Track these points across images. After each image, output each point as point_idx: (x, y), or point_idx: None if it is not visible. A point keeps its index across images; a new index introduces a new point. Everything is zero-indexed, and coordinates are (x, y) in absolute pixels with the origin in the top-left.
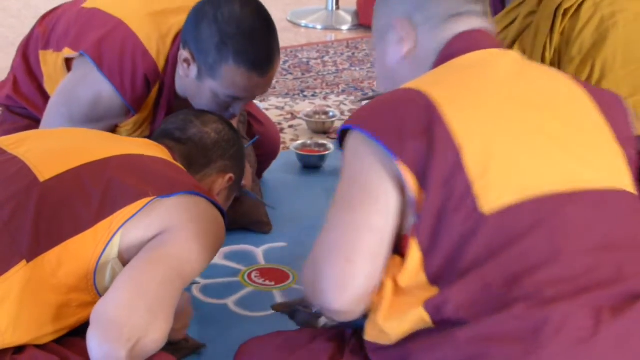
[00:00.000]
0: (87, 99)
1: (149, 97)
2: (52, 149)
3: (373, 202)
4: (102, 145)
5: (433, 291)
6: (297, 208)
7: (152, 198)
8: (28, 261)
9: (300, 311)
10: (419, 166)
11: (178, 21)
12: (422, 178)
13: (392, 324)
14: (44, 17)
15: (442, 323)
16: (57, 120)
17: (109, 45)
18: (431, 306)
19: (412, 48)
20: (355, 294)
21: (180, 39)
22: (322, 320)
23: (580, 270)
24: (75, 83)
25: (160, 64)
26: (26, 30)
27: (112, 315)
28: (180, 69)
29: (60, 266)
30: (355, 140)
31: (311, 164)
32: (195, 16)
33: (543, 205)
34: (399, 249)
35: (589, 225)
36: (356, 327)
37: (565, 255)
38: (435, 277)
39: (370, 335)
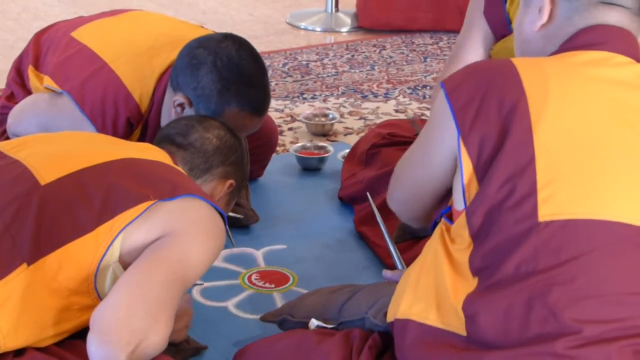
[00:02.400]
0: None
1: (131, 136)
2: (53, 152)
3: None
4: (103, 149)
5: (473, 284)
6: (297, 210)
7: (153, 202)
8: (29, 264)
9: (289, 320)
10: (482, 155)
11: (162, 60)
12: (481, 168)
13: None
14: (39, 36)
15: (474, 335)
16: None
17: (92, 88)
18: (468, 309)
19: (546, 23)
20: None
21: (164, 80)
22: (314, 323)
23: (626, 313)
24: (57, 113)
25: (144, 106)
26: (25, 33)
27: (111, 319)
28: (173, 112)
29: (61, 269)
30: (439, 100)
31: (311, 167)
32: (190, 62)
33: (605, 231)
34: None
35: None
36: (353, 327)
37: (613, 294)
38: (477, 270)
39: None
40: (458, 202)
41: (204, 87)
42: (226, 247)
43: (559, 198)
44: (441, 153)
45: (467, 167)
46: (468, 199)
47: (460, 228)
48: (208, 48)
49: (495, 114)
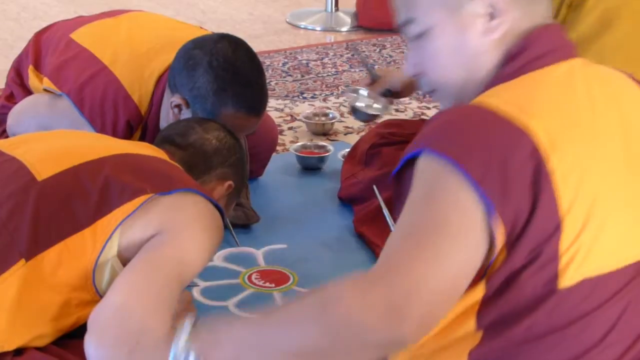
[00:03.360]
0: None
1: (131, 138)
2: (50, 149)
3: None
4: (99, 145)
5: (476, 337)
6: (297, 210)
7: (150, 195)
8: (27, 260)
9: None
10: (515, 227)
11: (161, 62)
12: (512, 240)
13: None
14: (38, 36)
15: None
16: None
17: (91, 90)
18: None
19: (508, 29)
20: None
21: (163, 81)
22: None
23: (628, 348)
24: (57, 115)
25: (143, 107)
26: (25, 33)
27: (108, 320)
28: (171, 114)
29: (59, 265)
30: (442, 174)
31: (311, 166)
32: (186, 63)
33: (617, 279)
34: None
35: None
36: None
37: (617, 339)
38: (485, 326)
39: None
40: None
41: (200, 87)
42: (229, 246)
43: (579, 260)
44: (473, 235)
45: (500, 239)
46: (492, 268)
47: (471, 293)
48: (204, 49)
49: (522, 180)
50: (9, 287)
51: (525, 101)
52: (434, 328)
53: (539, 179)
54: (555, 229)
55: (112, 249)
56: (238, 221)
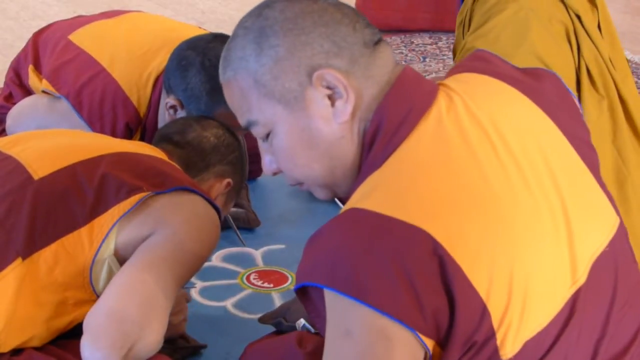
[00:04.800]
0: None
1: (131, 140)
2: (46, 147)
3: None
4: (96, 143)
5: None
6: (296, 210)
7: (146, 193)
8: (24, 259)
9: (283, 323)
10: (440, 330)
11: (158, 63)
12: (443, 339)
13: None
14: (37, 36)
15: None
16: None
17: (90, 92)
18: None
19: (355, 106)
20: None
21: (160, 83)
22: (300, 323)
23: None
24: (56, 117)
25: (142, 109)
26: (24, 32)
27: (104, 322)
28: (167, 115)
29: (56, 263)
30: (353, 313)
31: None
32: (179, 63)
33: (558, 322)
34: None
35: (598, 312)
36: None
37: None
38: None
39: None
40: None
41: (193, 88)
42: (228, 245)
43: (514, 328)
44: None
45: (433, 348)
46: None
47: None
48: (196, 49)
49: (431, 286)
50: (6, 286)
51: (405, 197)
52: None
53: (447, 276)
54: (483, 314)
55: (109, 248)
56: (238, 223)
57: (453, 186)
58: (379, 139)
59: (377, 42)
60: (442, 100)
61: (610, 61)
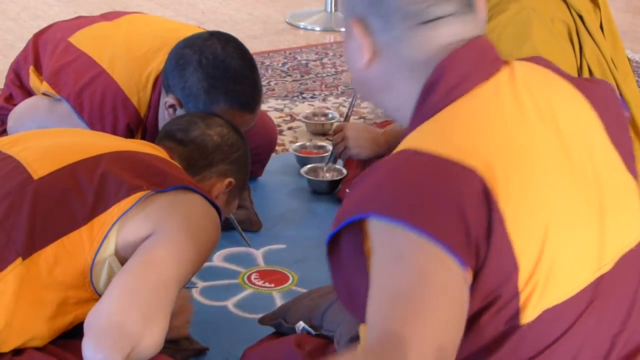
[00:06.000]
0: None
1: None
2: (46, 147)
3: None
4: (96, 142)
5: None
6: (296, 210)
7: (146, 192)
8: (24, 259)
9: (283, 325)
10: (474, 274)
11: (158, 63)
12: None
13: None
14: (37, 37)
15: None
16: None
17: (90, 94)
18: None
19: (372, 58)
20: None
21: (160, 83)
22: (300, 326)
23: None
24: (57, 119)
25: (142, 110)
26: (25, 33)
27: (105, 323)
28: (166, 114)
29: (57, 263)
30: (405, 238)
31: None
32: (177, 62)
33: (579, 301)
34: None
35: (617, 302)
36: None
37: (586, 356)
38: None
39: None
40: None
41: (191, 86)
42: (229, 245)
43: (538, 293)
44: (456, 288)
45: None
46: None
47: None
48: (194, 47)
49: (478, 225)
50: (6, 286)
51: (458, 138)
52: None
53: (492, 222)
54: (513, 269)
55: (109, 247)
56: (241, 224)
57: (504, 140)
58: (435, 93)
59: (430, 22)
60: (505, 72)
61: (612, 61)
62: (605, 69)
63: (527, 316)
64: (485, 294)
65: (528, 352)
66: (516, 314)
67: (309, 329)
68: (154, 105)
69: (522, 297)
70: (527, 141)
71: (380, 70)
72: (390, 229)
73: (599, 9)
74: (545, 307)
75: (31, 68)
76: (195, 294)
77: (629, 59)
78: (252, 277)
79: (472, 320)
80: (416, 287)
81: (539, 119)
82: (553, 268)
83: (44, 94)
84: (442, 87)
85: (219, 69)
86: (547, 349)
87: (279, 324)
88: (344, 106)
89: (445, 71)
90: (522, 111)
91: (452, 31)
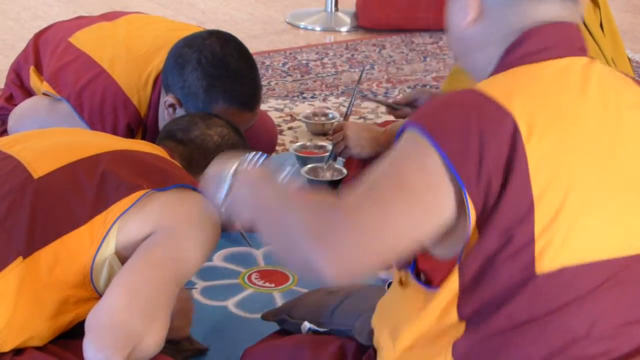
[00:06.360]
0: None
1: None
2: (46, 146)
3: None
4: (96, 142)
5: (459, 329)
6: None
7: (146, 191)
8: (24, 258)
9: (287, 321)
10: (485, 207)
11: (158, 63)
12: (483, 219)
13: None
14: (37, 37)
15: None
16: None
17: (90, 94)
18: (459, 356)
19: (477, 18)
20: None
21: (159, 83)
22: (306, 326)
23: (615, 344)
24: (57, 119)
25: (143, 110)
26: (25, 33)
27: (106, 323)
28: (166, 114)
29: (57, 262)
30: (415, 142)
31: None
32: (176, 61)
33: (597, 272)
34: (424, 274)
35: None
36: (347, 336)
37: (603, 331)
38: (466, 316)
39: None
40: (444, 255)
41: (190, 85)
42: (230, 245)
43: (556, 246)
44: (437, 210)
45: (472, 219)
46: (466, 250)
47: (449, 281)
48: (193, 46)
49: (495, 159)
50: (7, 285)
51: (512, 87)
52: (356, 276)
53: (513, 159)
54: (529, 210)
55: (110, 246)
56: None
57: (555, 106)
58: (514, 54)
59: None
60: (584, 60)
61: (613, 61)
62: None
63: (543, 266)
64: (500, 231)
65: (541, 308)
66: (531, 262)
67: (316, 327)
68: (154, 104)
69: (538, 246)
70: (578, 116)
71: (480, 30)
72: (412, 134)
73: (599, 8)
74: (562, 265)
75: (32, 68)
76: (196, 294)
77: (629, 59)
78: (253, 277)
79: (488, 264)
80: (399, 182)
81: (601, 105)
82: (573, 228)
83: (44, 94)
84: (519, 51)
85: (218, 68)
86: (560, 310)
87: (282, 319)
88: (344, 106)
89: (527, 39)
90: (585, 92)
91: (550, 11)
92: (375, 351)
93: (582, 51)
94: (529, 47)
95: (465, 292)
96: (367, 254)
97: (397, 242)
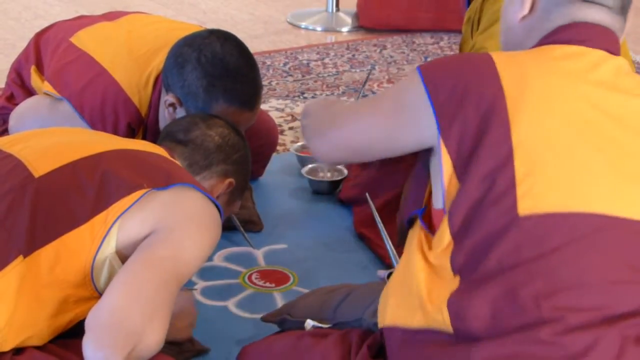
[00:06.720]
0: None
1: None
2: (47, 145)
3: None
4: (96, 141)
5: (455, 282)
6: (297, 210)
7: (146, 190)
8: (25, 257)
9: (288, 320)
10: (461, 151)
11: (158, 62)
12: (461, 166)
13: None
14: (38, 37)
15: (462, 331)
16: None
17: (91, 94)
18: (453, 307)
19: (527, 15)
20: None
21: (160, 82)
22: (309, 324)
23: (607, 301)
24: (58, 119)
25: (143, 109)
26: (26, 32)
27: (106, 322)
28: (166, 113)
29: (58, 261)
30: (415, 86)
31: None
32: (176, 60)
33: (584, 223)
34: (427, 224)
35: (625, 254)
36: (352, 327)
37: (594, 284)
38: (459, 268)
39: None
40: (438, 202)
41: (190, 85)
42: (230, 245)
43: (538, 191)
44: (410, 135)
45: (446, 165)
46: (448, 199)
47: (441, 230)
48: (193, 45)
49: (473, 111)
50: (7, 284)
51: (518, 57)
52: (337, 159)
53: (492, 110)
54: (508, 157)
55: (110, 246)
56: (243, 225)
57: (546, 75)
58: (547, 39)
59: (585, 2)
60: (606, 55)
61: None
62: None
63: (525, 209)
64: (481, 177)
65: (528, 252)
66: (514, 204)
67: (320, 325)
68: (154, 104)
69: (520, 190)
70: (569, 89)
71: (527, 26)
72: (414, 72)
73: None
74: (546, 210)
75: (33, 68)
76: (196, 294)
77: (632, 61)
78: (253, 277)
79: (473, 210)
80: (385, 99)
81: (603, 87)
82: (557, 176)
83: (45, 93)
84: (550, 39)
85: (218, 67)
86: (546, 255)
87: (282, 319)
88: None
89: (562, 30)
90: (587, 75)
91: (595, 15)
92: (381, 333)
93: (610, 52)
94: (561, 35)
95: (456, 239)
96: (345, 146)
97: (370, 143)
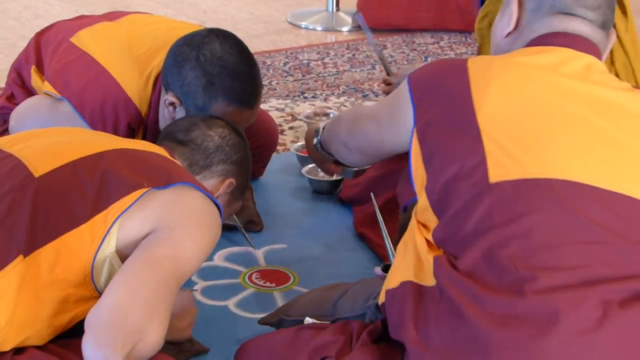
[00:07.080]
0: None
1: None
2: (47, 145)
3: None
4: (96, 141)
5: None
6: (297, 210)
7: (147, 189)
8: (25, 256)
9: (286, 320)
10: (426, 140)
11: (158, 62)
12: (428, 152)
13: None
14: (38, 37)
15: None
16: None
17: (91, 94)
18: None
19: (513, 31)
20: None
21: (160, 82)
22: (308, 321)
23: (584, 261)
24: (59, 119)
25: (144, 109)
26: (26, 32)
27: (105, 321)
28: (166, 112)
29: (58, 261)
30: (403, 89)
31: None
32: (175, 59)
33: (554, 189)
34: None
35: (605, 221)
36: (357, 319)
37: (568, 244)
38: (440, 241)
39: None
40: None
41: (189, 83)
42: (230, 245)
43: (508, 162)
44: (401, 133)
45: (415, 152)
46: (419, 180)
47: (426, 211)
48: (192, 44)
49: (442, 105)
50: (7, 284)
51: (489, 57)
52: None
53: (457, 101)
54: (476, 137)
55: (110, 245)
56: (243, 225)
57: (515, 71)
58: (525, 45)
59: (566, 14)
60: (581, 55)
61: (633, 71)
62: (630, 77)
63: (496, 176)
64: (454, 154)
65: (501, 216)
66: (485, 174)
67: (318, 321)
68: (154, 104)
69: (490, 162)
70: (534, 79)
71: (511, 42)
72: (404, 83)
73: (626, 16)
74: (516, 177)
75: (33, 67)
76: (196, 294)
77: None
78: (253, 276)
79: (449, 185)
80: (382, 105)
81: (571, 79)
82: (525, 149)
83: (45, 93)
84: (526, 45)
85: (217, 66)
86: (518, 218)
87: (280, 320)
88: (345, 106)
89: (543, 38)
90: (557, 69)
91: (576, 26)
92: (382, 322)
93: (587, 51)
94: (539, 41)
95: (438, 216)
96: (355, 146)
97: (371, 142)
